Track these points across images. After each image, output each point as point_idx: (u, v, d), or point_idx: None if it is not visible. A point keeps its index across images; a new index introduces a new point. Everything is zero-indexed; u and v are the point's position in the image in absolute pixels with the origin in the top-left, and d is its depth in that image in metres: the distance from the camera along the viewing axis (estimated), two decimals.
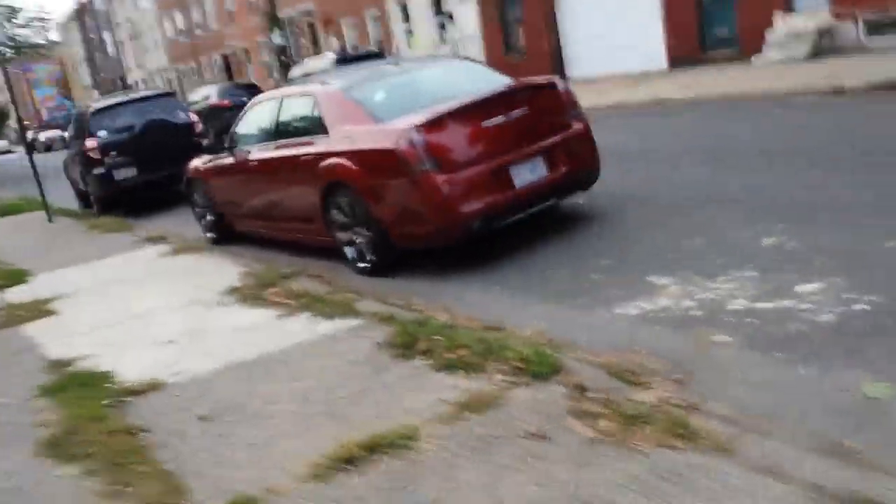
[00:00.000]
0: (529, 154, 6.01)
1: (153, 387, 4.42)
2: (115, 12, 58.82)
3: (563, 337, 4.32)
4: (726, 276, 4.74)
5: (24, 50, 33.54)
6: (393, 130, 5.85)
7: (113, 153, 12.17)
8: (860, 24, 14.60)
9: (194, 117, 13.12)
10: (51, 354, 5.40)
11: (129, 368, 4.83)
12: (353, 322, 5.03)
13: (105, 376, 4.72)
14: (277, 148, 7.18)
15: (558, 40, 21.64)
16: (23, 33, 31.70)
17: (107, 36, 60.58)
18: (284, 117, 7.22)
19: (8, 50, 27.97)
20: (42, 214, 13.43)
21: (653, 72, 18.39)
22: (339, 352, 4.52)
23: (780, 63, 14.85)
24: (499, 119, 5.93)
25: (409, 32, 27.62)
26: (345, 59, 20.27)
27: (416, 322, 4.63)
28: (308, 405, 3.85)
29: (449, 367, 3.97)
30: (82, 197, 14.29)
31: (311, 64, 21.44)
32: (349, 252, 6.58)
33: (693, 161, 8.14)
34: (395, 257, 6.29)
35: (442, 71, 7.06)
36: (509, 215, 5.97)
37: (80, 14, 43.23)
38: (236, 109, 24.50)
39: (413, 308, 5.27)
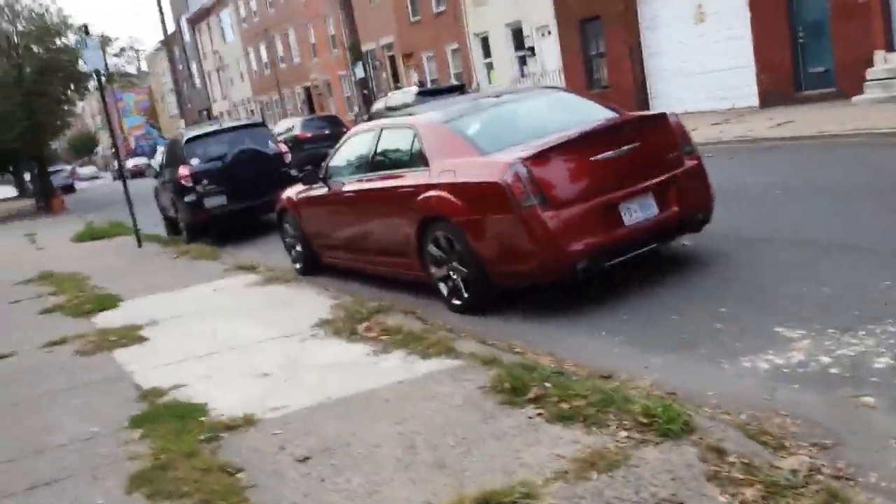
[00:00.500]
0: (640, 191, 5.72)
1: (249, 422, 4.25)
2: (203, 44, 60.98)
3: (684, 390, 3.99)
4: (864, 330, 4.33)
5: (116, 79, 34.80)
6: (498, 163, 5.64)
7: (204, 181, 12.34)
8: None
9: (284, 148, 13.24)
10: (143, 382, 5.31)
11: (223, 401, 4.68)
12: (451, 363, 4.79)
13: (199, 409, 4.58)
14: (374, 180, 7.06)
15: (643, 75, 21.29)
16: (115, 62, 32.96)
17: (194, 67, 62.76)
18: (382, 149, 7.10)
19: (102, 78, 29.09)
20: (131, 239, 13.71)
21: (742, 109, 17.86)
22: (441, 394, 4.27)
23: (883, 102, 14.17)
24: (608, 153, 5.65)
25: (490, 67, 27.66)
26: (428, 93, 20.33)
27: (523, 366, 4.35)
28: (414, 452, 3.60)
29: (564, 418, 3.67)
30: (171, 223, 14.55)
31: (395, 97, 21.55)
32: (443, 288, 6.37)
33: (802, 202, 7.69)
34: (493, 295, 6.05)
35: (544, 102, 6.84)
36: (617, 255, 5.67)
37: (169, 45, 44.99)
38: (318, 141, 25.08)
39: (515, 350, 5.01)
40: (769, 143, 12.86)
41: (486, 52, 27.61)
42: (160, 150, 50.20)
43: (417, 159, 6.47)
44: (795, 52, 17.10)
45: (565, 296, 5.93)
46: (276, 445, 3.90)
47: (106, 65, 30.45)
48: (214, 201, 12.39)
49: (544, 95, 7.00)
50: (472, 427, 3.76)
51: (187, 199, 12.42)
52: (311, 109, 42.96)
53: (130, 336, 6.62)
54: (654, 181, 5.80)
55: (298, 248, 8.86)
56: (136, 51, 32.60)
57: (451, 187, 5.96)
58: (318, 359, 5.36)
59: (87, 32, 13.21)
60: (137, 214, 13.35)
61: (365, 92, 27.62)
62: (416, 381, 4.58)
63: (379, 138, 7.18)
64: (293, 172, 13.09)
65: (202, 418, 4.41)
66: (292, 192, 8.92)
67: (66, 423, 4.71)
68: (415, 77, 31.65)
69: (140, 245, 13.15)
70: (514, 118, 6.51)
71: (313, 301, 7.12)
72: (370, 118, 22.90)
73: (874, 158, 9.75)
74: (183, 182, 12.38)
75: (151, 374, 5.48)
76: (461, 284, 6.12)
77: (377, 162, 7.15)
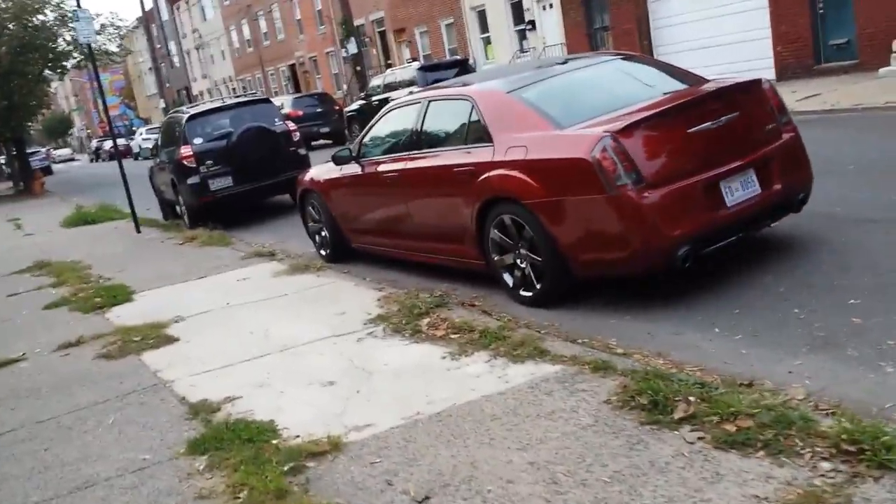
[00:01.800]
0: (741, 167, 5.06)
1: (335, 447, 3.55)
2: (182, 22, 59.39)
3: (850, 401, 3.35)
4: None
5: (99, 56, 33.50)
6: (584, 137, 4.95)
7: (208, 161, 11.52)
8: None
9: (292, 125, 12.42)
10: (188, 394, 4.60)
11: (292, 417, 3.99)
12: (550, 368, 4.14)
13: (267, 428, 3.87)
14: (420, 158, 6.35)
15: (650, 49, 20.61)
16: (97, 40, 31.62)
17: (173, 46, 61.19)
18: (430, 124, 6.39)
19: (80, 55, 27.96)
20: (127, 224, 12.92)
21: None
22: (561, 410, 3.61)
23: None
24: (706, 125, 4.99)
25: (487, 41, 26.84)
26: (430, 68, 19.62)
27: (653, 374, 3.69)
28: (561, 491, 2.94)
29: (737, 444, 3.03)
30: (168, 207, 13.74)
31: (396, 73, 20.76)
32: (508, 278, 5.70)
33: (883, 179, 7.07)
34: (569, 286, 5.39)
35: (615, 69, 6.14)
36: (719, 240, 5.02)
37: (147, 23, 43.53)
38: (309, 120, 24.18)
39: (617, 352, 4.35)
40: (803, 117, 12.18)
41: (484, 27, 26.78)
42: (139, 131, 48.51)
43: (477, 135, 5.77)
44: (815, 23, 16.50)
45: (648, 286, 5.29)
46: (381, 479, 3.22)
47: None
48: (220, 183, 11.59)
49: (614, 62, 6.28)
50: (622, 456, 3.10)
51: (190, 180, 11.59)
52: (297, 88, 41.91)
53: (157, 336, 5.88)
54: (756, 156, 5.16)
55: (325, 233, 8.14)
56: (118, 27, 31.20)
57: (523, 165, 5.26)
58: (386, 362, 4.68)
59: (78, 4, 12.28)
60: (124, 197, 12.48)
61: (358, 69, 26.74)
62: (519, 391, 3.91)
63: (425, 112, 6.45)
64: (301, 152, 12.34)
65: (275, 441, 3.71)
66: (317, 172, 8.19)
67: (107, 449, 3.97)
68: (407, 53, 30.76)
69: (139, 230, 12.33)
70: (588, 87, 5.82)
71: (355, 292, 6.42)
72: (367, 96, 22.13)
73: None
74: (185, 163, 11.55)
75: (195, 382, 4.77)
76: (532, 274, 5.45)
77: (424, 138, 6.44)
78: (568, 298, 5.42)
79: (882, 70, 14.30)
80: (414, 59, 28.72)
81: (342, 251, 7.98)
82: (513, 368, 4.24)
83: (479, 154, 5.66)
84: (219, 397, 4.41)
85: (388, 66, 32.12)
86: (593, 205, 4.90)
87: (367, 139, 7.28)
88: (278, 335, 5.49)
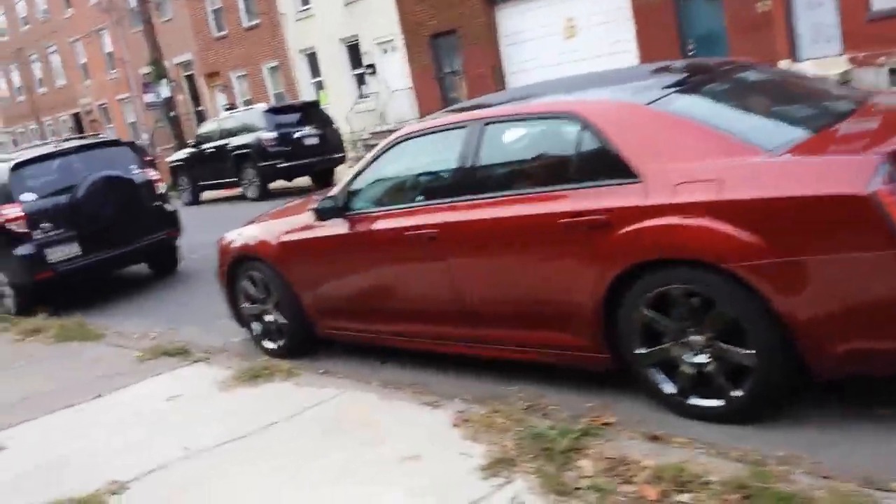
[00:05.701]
0: None
1: None
2: None
3: None
4: None
5: None
6: (846, 164, 3.23)
7: (45, 224, 8.51)
8: (884, 69, 13.60)
9: (154, 173, 9.67)
10: None
11: None
12: None
13: None
14: (479, 206, 4.32)
15: None
16: None
17: None
18: (493, 156, 4.40)
19: None
20: None
21: None
22: None
23: None
24: None
25: (319, 86, 24.82)
26: (277, 110, 17.37)
27: None
28: None
29: None
30: None
31: (235, 116, 18.18)
32: (663, 382, 3.82)
33: None
34: (788, 393, 3.61)
35: (759, 78, 4.51)
36: None
37: None
38: None
39: None
40: None
41: (315, 70, 24.75)
42: None
43: (597, 167, 3.88)
44: None
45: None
46: None
47: None
48: (63, 252, 8.59)
49: (748, 69, 4.64)
50: None
51: (19, 251, 8.48)
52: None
53: None
54: None
55: (273, 317, 5.77)
56: None
57: (718, 209, 3.44)
58: None
59: None
60: None
61: (173, 114, 23.61)
62: None
63: (479, 140, 4.44)
64: (169, 207, 9.66)
65: None
66: (261, 232, 5.81)
67: None
68: (223, 99, 27.95)
69: None
70: (752, 99, 4.15)
71: (398, 413, 4.19)
72: (197, 143, 19.22)
73: None
74: (12, 227, 8.44)
75: None
76: (720, 375, 3.61)
77: (480, 178, 4.42)
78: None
79: None
80: (232, 105, 26.07)
81: (303, 341, 5.69)
82: None
83: (613, 195, 3.77)
84: None
85: (199, 112, 29.14)
86: (872, 266, 3.16)
87: (359, 185, 5.11)
88: None
